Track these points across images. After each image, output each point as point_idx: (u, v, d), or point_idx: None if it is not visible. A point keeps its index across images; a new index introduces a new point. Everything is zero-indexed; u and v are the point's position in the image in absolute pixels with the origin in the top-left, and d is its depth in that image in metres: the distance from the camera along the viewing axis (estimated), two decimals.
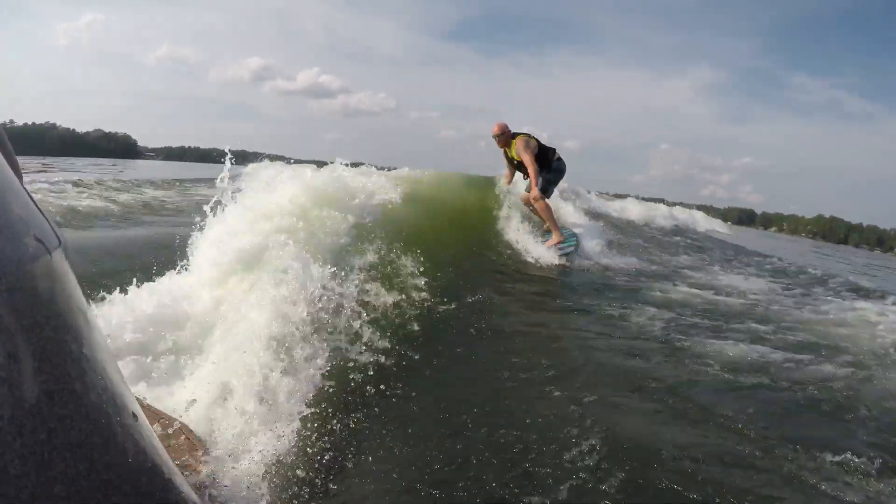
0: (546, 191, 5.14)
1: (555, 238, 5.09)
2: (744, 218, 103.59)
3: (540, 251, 5.01)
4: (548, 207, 5.13)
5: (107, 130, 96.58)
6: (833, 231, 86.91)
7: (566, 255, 5.00)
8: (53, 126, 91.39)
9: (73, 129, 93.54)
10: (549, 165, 5.16)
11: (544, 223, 5.37)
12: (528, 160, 5.00)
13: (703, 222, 14.87)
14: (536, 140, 5.19)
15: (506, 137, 5.19)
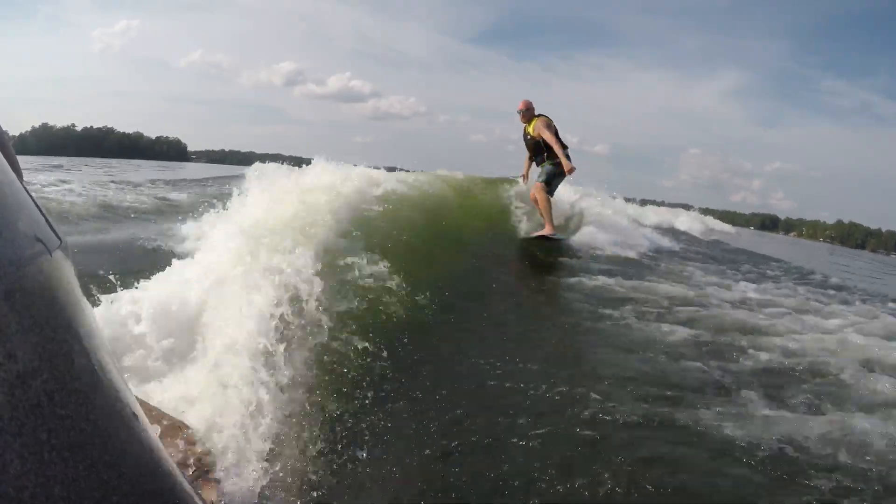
0: (550, 185, 5.11)
1: (547, 231, 5.02)
2: (767, 223, 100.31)
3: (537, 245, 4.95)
4: (548, 201, 5.06)
5: (145, 134, 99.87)
6: (851, 236, 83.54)
7: (549, 240, 4.97)
8: (111, 130, 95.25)
9: (128, 133, 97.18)
10: (556, 157, 5.11)
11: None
12: (550, 138, 4.99)
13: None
14: (555, 127, 5.17)
15: (529, 114, 5.24)
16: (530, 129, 5.19)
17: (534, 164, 5.44)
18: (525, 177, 5.68)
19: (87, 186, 8.17)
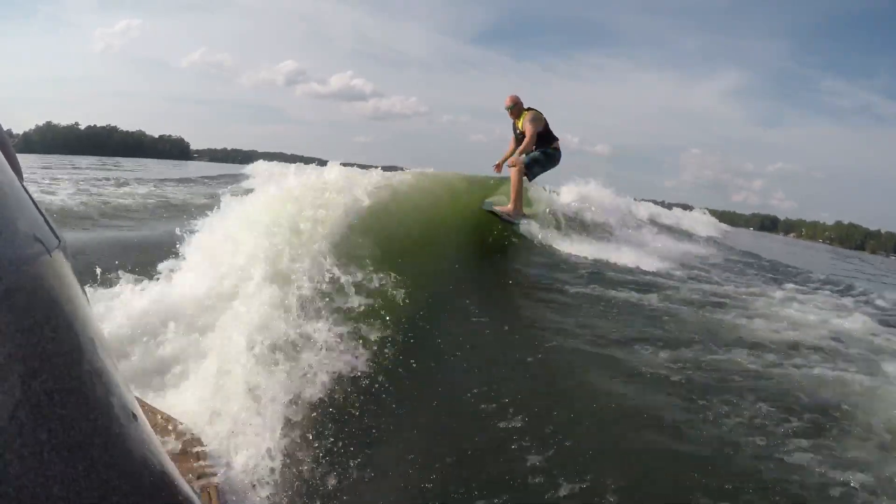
0: (531, 169, 5.12)
1: (509, 208, 4.96)
2: (767, 224, 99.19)
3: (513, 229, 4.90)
4: (520, 181, 5.01)
5: (147, 132, 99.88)
6: (850, 237, 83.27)
7: (503, 220, 4.91)
8: (115, 129, 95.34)
9: (131, 132, 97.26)
10: (545, 147, 5.16)
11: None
12: (529, 131, 5.02)
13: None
14: (546, 120, 5.16)
15: (518, 109, 5.22)
16: (520, 124, 5.20)
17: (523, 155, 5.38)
18: (499, 166, 5.56)
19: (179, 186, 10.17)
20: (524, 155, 5.12)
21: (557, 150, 5.24)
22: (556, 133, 5.34)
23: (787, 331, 3.05)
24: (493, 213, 4.94)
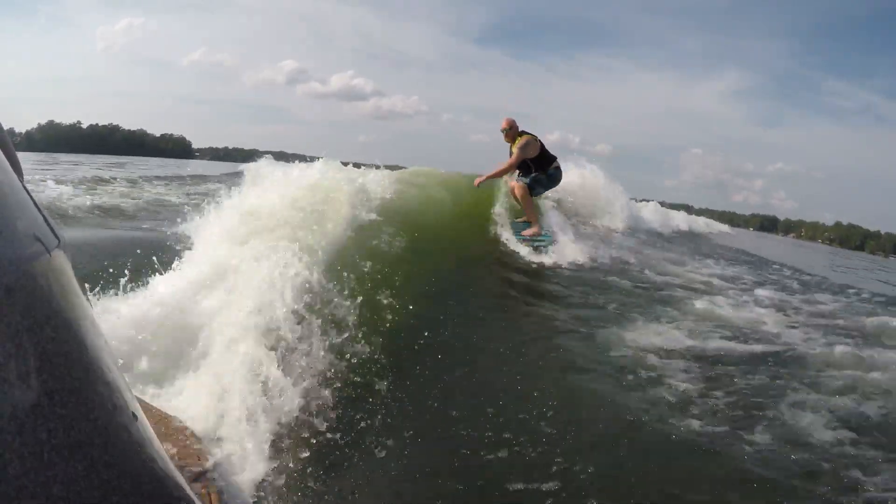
0: (533, 189, 5.20)
1: (533, 229, 5.05)
2: (766, 224, 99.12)
3: (519, 246, 4.91)
4: (528, 199, 5.10)
5: (149, 131, 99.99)
6: (850, 237, 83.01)
7: (539, 248, 4.95)
8: (117, 128, 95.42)
9: (133, 130, 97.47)
10: (545, 169, 5.26)
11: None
12: (513, 157, 5.12)
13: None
14: (541, 144, 5.25)
15: (513, 133, 5.28)
16: (514, 149, 5.27)
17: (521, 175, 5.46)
18: (486, 177, 5.61)
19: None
20: (524, 177, 5.21)
21: (558, 169, 5.32)
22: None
23: (666, 278, 4.67)
24: (527, 243, 4.99)
